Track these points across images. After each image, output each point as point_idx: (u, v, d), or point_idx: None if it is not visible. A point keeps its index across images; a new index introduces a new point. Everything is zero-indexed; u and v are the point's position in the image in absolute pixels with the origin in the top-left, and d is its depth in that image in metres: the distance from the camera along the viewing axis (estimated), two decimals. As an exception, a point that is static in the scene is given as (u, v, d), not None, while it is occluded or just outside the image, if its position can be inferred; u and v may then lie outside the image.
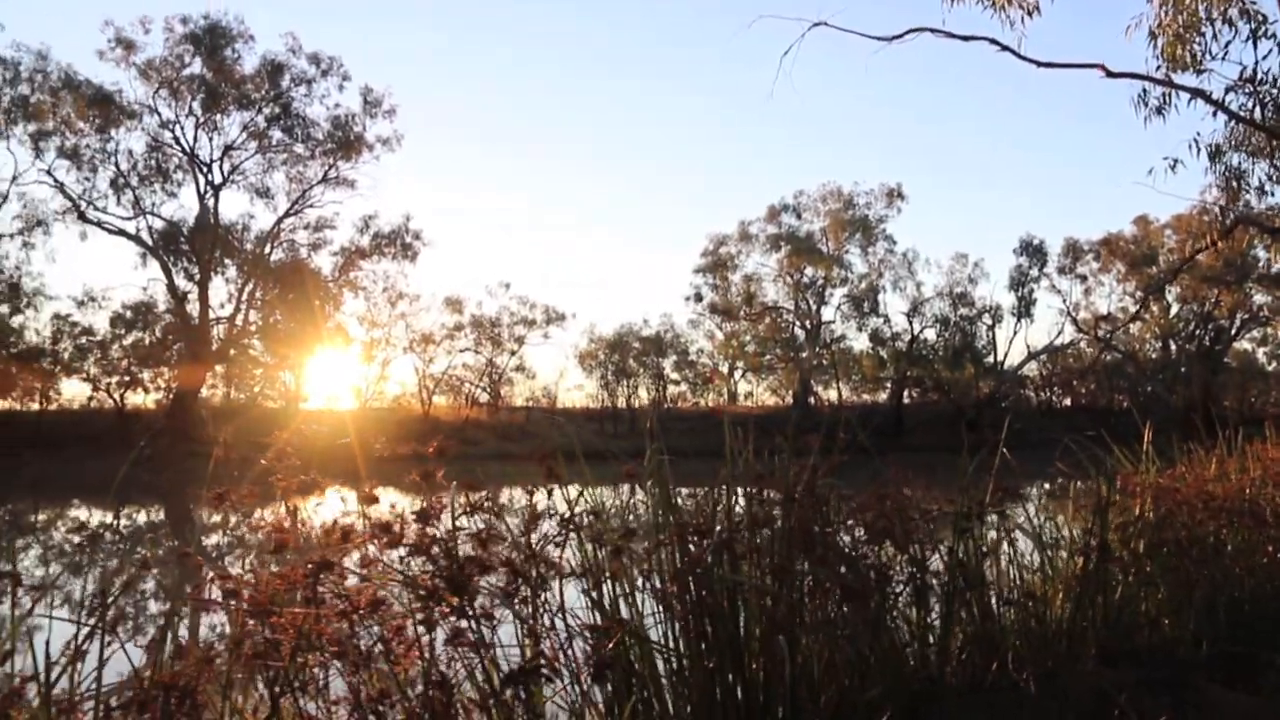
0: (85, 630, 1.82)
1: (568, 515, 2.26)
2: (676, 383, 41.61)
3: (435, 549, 1.92)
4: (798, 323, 41.28)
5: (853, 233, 39.57)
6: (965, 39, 10.04)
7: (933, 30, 10.21)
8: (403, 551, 1.95)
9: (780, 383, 42.64)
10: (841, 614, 2.88)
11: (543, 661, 1.98)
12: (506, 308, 38.69)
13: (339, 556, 1.86)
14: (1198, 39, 8.80)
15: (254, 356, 36.67)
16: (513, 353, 38.82)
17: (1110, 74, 9.27)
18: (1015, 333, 54.38)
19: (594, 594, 2.26)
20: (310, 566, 1.77)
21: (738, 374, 42.90)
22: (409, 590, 1.91)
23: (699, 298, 41.33)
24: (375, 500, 2.11)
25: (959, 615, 3.58)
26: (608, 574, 2.27)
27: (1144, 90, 9.64)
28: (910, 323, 40.34)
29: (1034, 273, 40.89)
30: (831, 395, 41.65)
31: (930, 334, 40.71)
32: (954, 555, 3.48)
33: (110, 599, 1.85)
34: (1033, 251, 40.88)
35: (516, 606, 2.02)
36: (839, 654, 3.03)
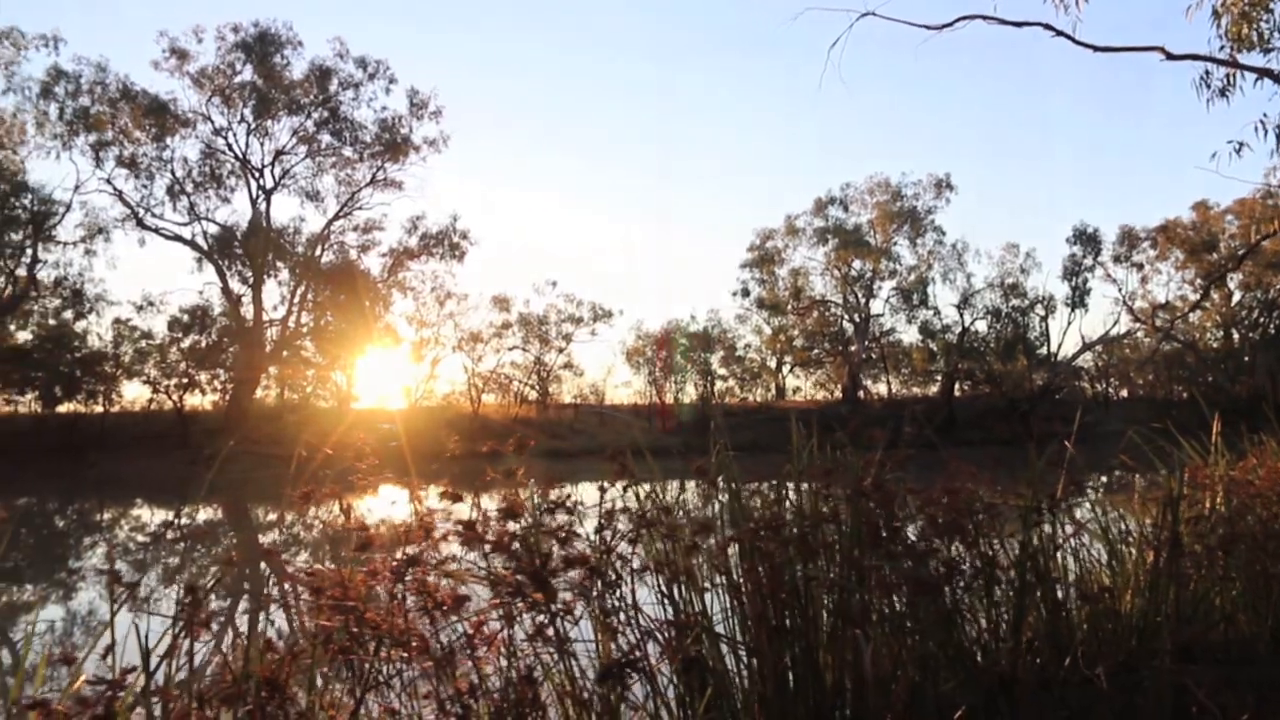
0: (176, 626, 1.87)
1: (641, 512, 2.27)
2: (724, 378, 41.50)
3: (517, 546, 1.94)
4: (846, 316, 40.90)
5: (901, 224, 39.11)
6: (1018, 25, 9.84)
7: (984, 17, 10.03)
8: (477, 548, 1.97)
9: (829, 377, 42.32)
10: (911, 609, 2.85)
11: (637, 657, 1.99)
12: (554, 305, 38.93)
13: (421, 553, 1.88)
14: (1265, 16, 8.53)
15: (306, 357, 37.30)
16: (560, 350, 39.04)
17: (1171, 56, 9.02)
18: (1069, 323, 53.32)
19: (667, 590, 2.27)
20: (397, 564, 1.80)
21: (786, 368, 42.68)
22: (492, 587, 1.93)
23: (746, 292, 41.18)
24: (459, 498, 2.13)
25: (1029, 610, 3.52)
26: (682, 571, 2.27)
27: (1206, 72, 9.36)
28: (961, 314, 39.77)
29: (1088, 261, 40.05)
30: (881, 389, 41.22)
31: (981, 326, 40.10)
32: (1025, 549, 3.42)
33: (201, 596, 1.89)
34: (1087, 240, 40.03)
35: (593, 603, 2.04)
36: (908, 649, 3.00)
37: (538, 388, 39.00)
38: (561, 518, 2.11)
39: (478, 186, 65.74)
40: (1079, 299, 40.06)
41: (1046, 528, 3.72)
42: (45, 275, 34.07)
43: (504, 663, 1.95)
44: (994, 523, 3.60)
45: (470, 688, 1.88)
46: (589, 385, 40.15)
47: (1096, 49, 9.18)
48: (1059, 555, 3.87)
